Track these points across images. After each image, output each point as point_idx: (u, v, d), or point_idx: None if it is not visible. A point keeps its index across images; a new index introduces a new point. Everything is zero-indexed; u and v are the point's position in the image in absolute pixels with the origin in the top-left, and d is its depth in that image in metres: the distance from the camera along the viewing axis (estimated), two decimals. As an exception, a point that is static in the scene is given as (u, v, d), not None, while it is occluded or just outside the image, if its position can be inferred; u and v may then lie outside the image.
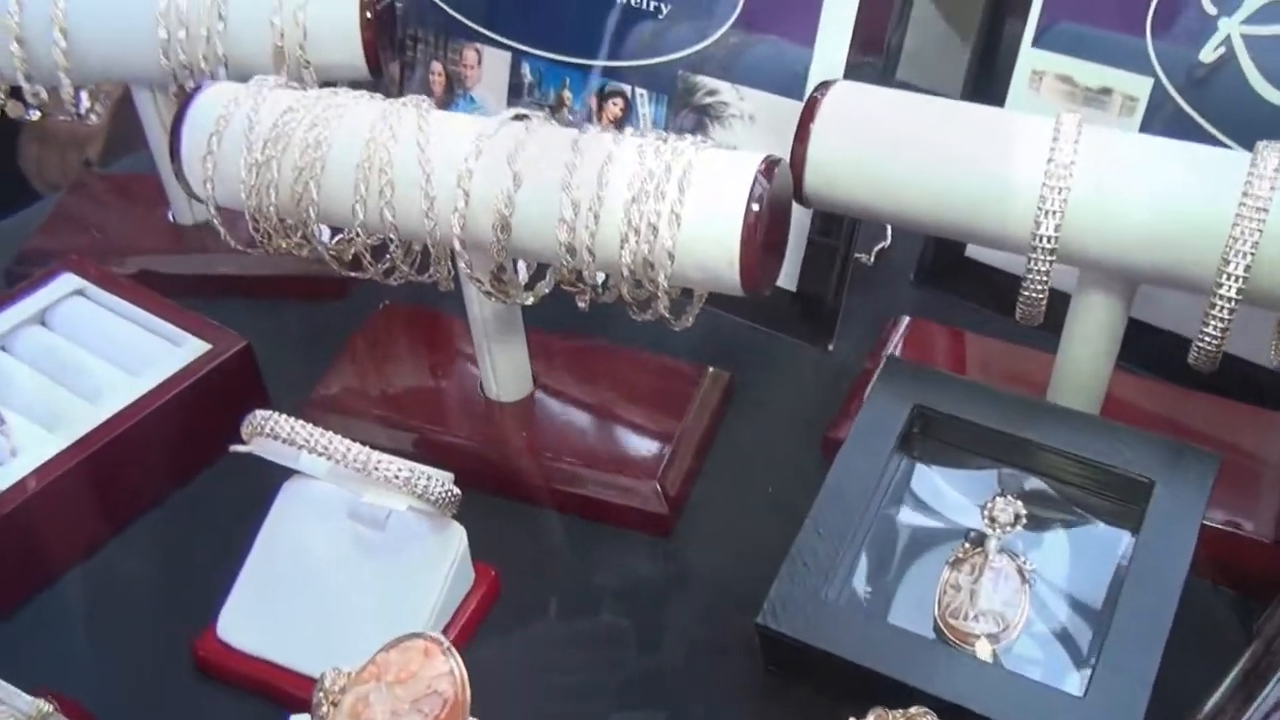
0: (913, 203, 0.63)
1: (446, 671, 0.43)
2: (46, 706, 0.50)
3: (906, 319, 0.79)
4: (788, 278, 0.79)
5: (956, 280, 0.82)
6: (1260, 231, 0.55)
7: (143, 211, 0.92)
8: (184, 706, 0.62)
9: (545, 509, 0.70)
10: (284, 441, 0.58)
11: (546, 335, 0.76)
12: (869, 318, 0.82)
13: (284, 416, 0.58)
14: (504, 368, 0.71)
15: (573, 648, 0.63)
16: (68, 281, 0.79)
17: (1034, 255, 0.60)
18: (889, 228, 0.89)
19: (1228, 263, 0.55)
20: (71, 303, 0.79)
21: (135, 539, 0.70)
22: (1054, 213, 0.58)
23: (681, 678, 0.61)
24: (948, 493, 0.64)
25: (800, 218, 0.76)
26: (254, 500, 0.65)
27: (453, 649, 0.43)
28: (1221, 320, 0.57)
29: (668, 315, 0.61)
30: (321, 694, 0.46)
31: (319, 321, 0.85)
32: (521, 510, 0.70)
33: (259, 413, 0.59)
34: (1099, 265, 0.60)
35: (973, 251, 0.81)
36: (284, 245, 0.68)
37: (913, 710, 0.43)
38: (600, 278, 0.63)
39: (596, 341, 0.77)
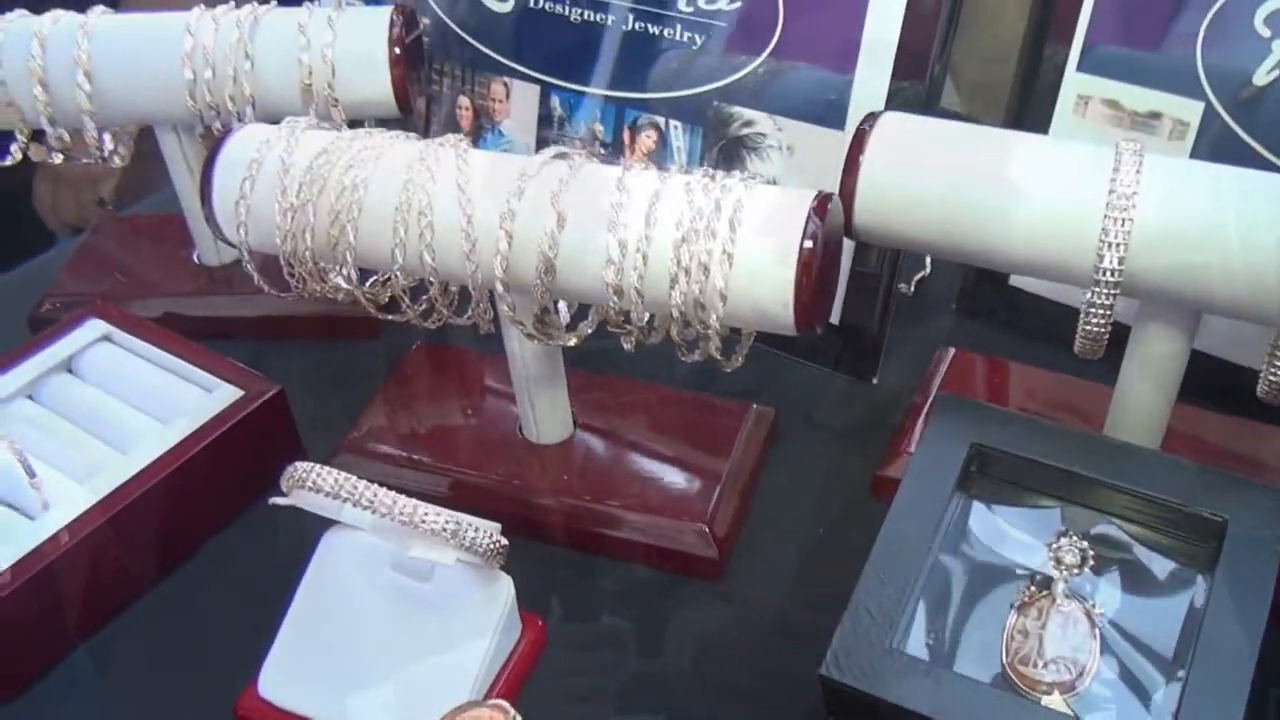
0: (967, 236, 0.61)
1: (512, 739, 0.41)
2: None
3: (952, 351, 0.77)
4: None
5: (1000, 309, 0.81)
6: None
7: (167, 253, 0.90)
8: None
9: (590, 554, 0.68)
10: (327, 495, 0.56)
11: (585, 375, 0.74)
12: (912, 349, 0.80)
13: (325, 469, 0.57)
14: (544, 409, 0.70)
15: (626, 698, 0.61)
16: (94, 327, 0.78)
17: (1096, 289, 0.58)
18: (928, 257, 0.87)
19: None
20: (99, 349, 0.77)
21: (171, 592, 0.68)
22: (1117, 245, 0.56)
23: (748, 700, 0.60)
24: (1009, 533, 0.62)
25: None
26: (293, 550, 0.63)
27: (519, 717, 0.41)
28: (1293, 355, 0.55)
29: (718, 356, 0.59)
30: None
31: (351, 362, 0.83)
32: (564, 555, 0.69)
33: (299, 465, 0.57)
34: (1164, 297, 0.58)
35: (1016, 280, 0.79)
36: (319, 289, 0.66)
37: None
38: (646, 317, 0.61)
39: (636, 381, 0.75)
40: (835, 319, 0.77)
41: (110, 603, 0.67)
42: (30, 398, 0.75)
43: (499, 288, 0.60)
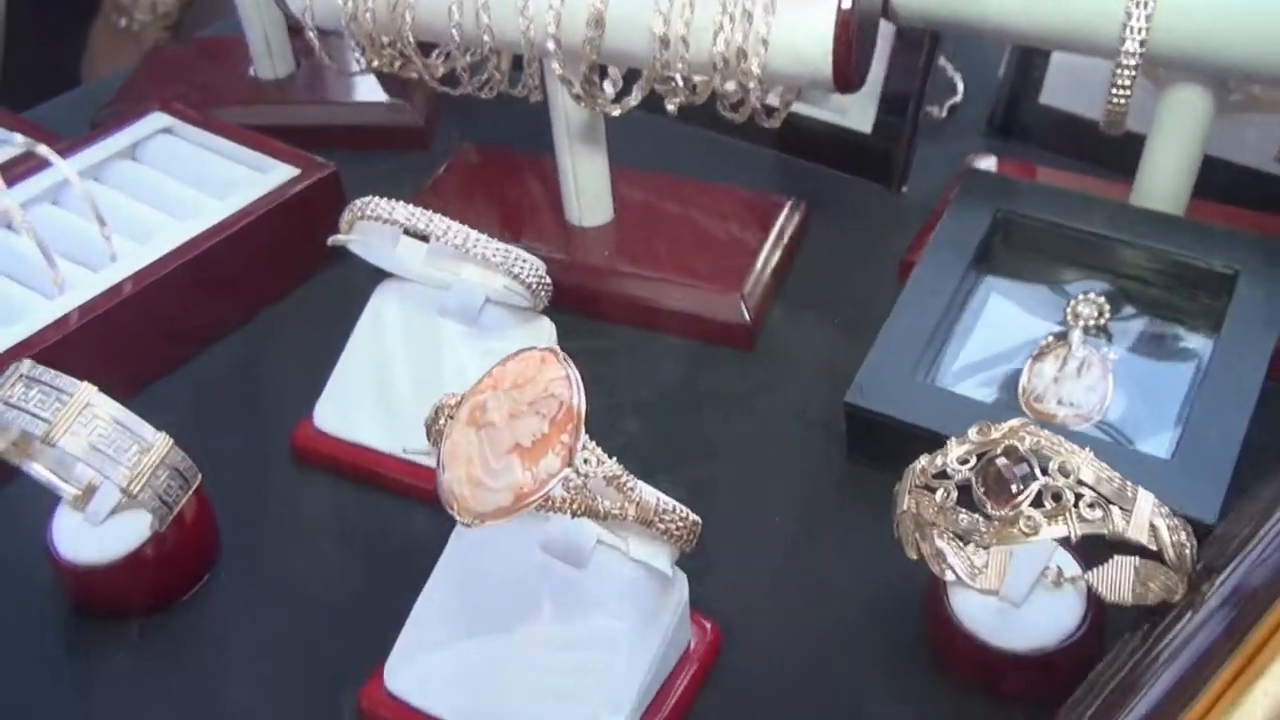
0: (998, 10, 0.64)
1: (562, 376, 0.44)
2: (167, 441, 0.52)
3: (982, 157, 0.79)
4: (863, 121, 0.80)
5: (1030, 130, 0.83)
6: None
7: (226, 69, 0.93)
8: (283, 489, 0.63)
9: (630, 327, 0.71)
10: (384, 221, 0.59)
11: (629, 169, 0.77)
12: (943, 167, 0.82)
13: (382, 199, 0.60)
14: (587, 187, 0.73)
15: (663, 452, 0.65)
16: (157, 120, 0.81)
17: (1123, 53, 0.60)
18: (960, 83, 0.89)
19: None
20: (161, 139, 0.81)
21: (229, 347, 0.72)
22: (1143, 13, 0.59)
23: (771, 470, 0.63)
24: (1032, 298, 0.65)
25: (877, 60, 0.78)
26: (343, 318, 0.66)
27: (569, 360, 0.45)
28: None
29: (759, 106, 0.62)
30: (437, 412, 0.47)
31: (401, 171, 0.86)
32: (607, 329, 0.72)
33: (360, 200, 0.61)
34: (1189, 60, 0.61)
35: (1047, 98, 0.82)
36: (378, 63, 0.70)
37: (1014, 421, 0.44)
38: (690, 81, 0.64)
39: (677, 176, 0.78)
40: (868, 129, 0.80)
41: (171, 354, 0.70)
42: (95, 179, 0.78)
43: (550, 45, 0.63)
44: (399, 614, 0.53)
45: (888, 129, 0.79)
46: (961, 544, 0.51)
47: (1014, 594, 0.50)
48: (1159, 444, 0.57)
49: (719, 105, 0.64)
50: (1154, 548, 0.43)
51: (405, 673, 0.52)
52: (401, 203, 0.60)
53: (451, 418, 0.46)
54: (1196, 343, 0.61)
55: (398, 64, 0.69)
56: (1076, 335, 0.61)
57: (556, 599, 0.51)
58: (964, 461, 0.45)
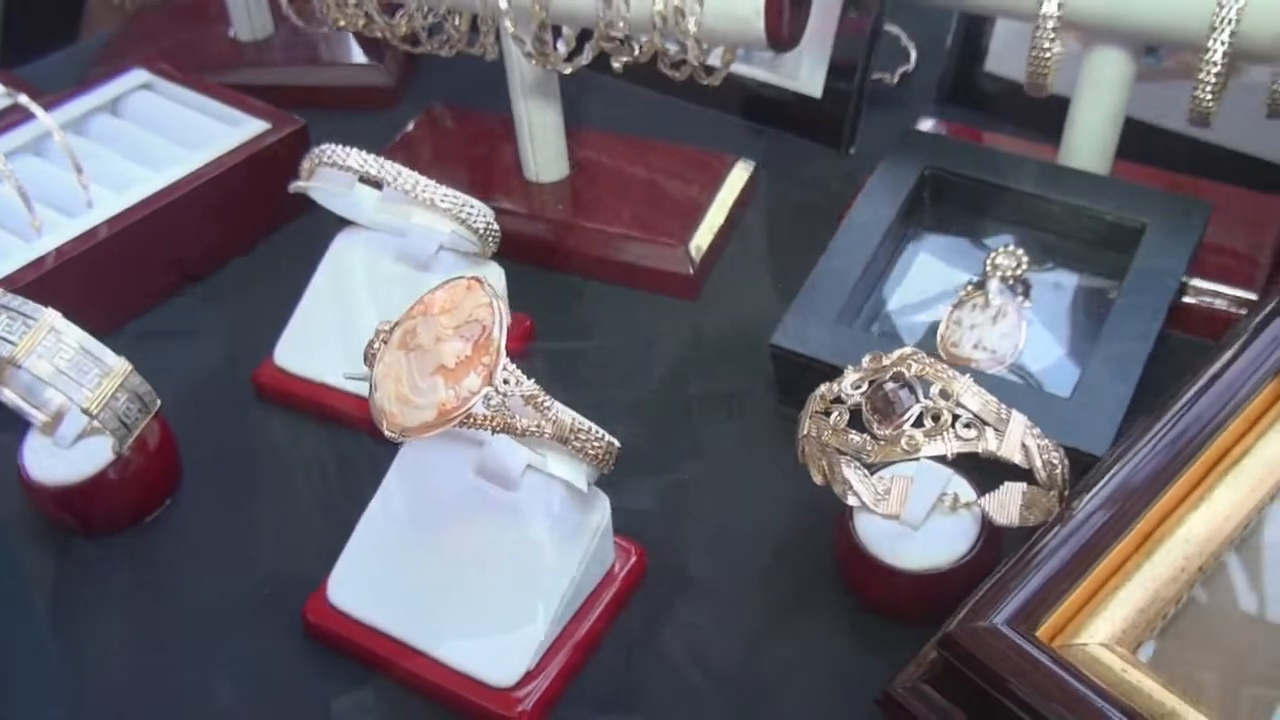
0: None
1: (486, 303, 0.48)
2: (126, 366, 0.56)
3: (927, 121, 0.82)
4: (812, 85, 0.83)
5: (977, 96, 0.86)
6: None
7: (205, 29, 0.97)
8: (245, 422, 0.67)
9: (580, 277, 0.75)
10: (339, 167, 0.63)
11: (585, 129, 0.80)
12: (891, 132, 0.85)
13: (342, 146, 0.63)
14: (542, 144, 0.76)
15: (602, 390, 0.68)
16: (136, 76, 0.85)
17: (1041, 16, 0.63)
18: (913, 51, 0.92)
19: (1216, 23, 0.59)
20: (140, 95, 0.84)
21: (202, 292, 0.76)
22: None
23: (707, 411, 0.66)
24: (958, 253, 0.68)
25: (825, 26, 0.81)
26: (310, 266, 0.69)
27: (494, 289, 0.48)
28: (1216, 69, 0.60)
29: (697, 64, 0.65)
30: (374, 338, 0.51)
31: (373, 127, 0.89)
32: (561, 279, 0.75)
33: (316, 147, 0.64)
34: (1105, 23, 0.64)
35: (992, 65, 0.85)
36: (340, 21, 0.73)
37: (903, 350, 0.48)
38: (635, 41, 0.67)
39: (632, 136, 0.82)
40: (818, 93, 0.83)
41: (143, 296, 0.74)
42: (76, 133, 0.81)
43: (503, 4, 0.66)
44: (348, 536, 0.56)
45: (837, 93, 0.82)
46: (868, 472, 0.54)
47: (913, 518, 0.53)
48: (1064, 384, 0.60)
49: (660, 63, 0.67)
50: (1026, 466, 0.46)
51: (346, 586, 0.56)
52: (356, 150, 0.63)
53: (385, 343, 0.50)
54: (1104, 290, 0.64)
55: (361, 22, 0.73)
56: (994, 285, 0.64)
57: (488, 519, 0.55)
58: (857, 387, 0.48)
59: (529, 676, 0.52)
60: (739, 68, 0.85)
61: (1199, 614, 0.46)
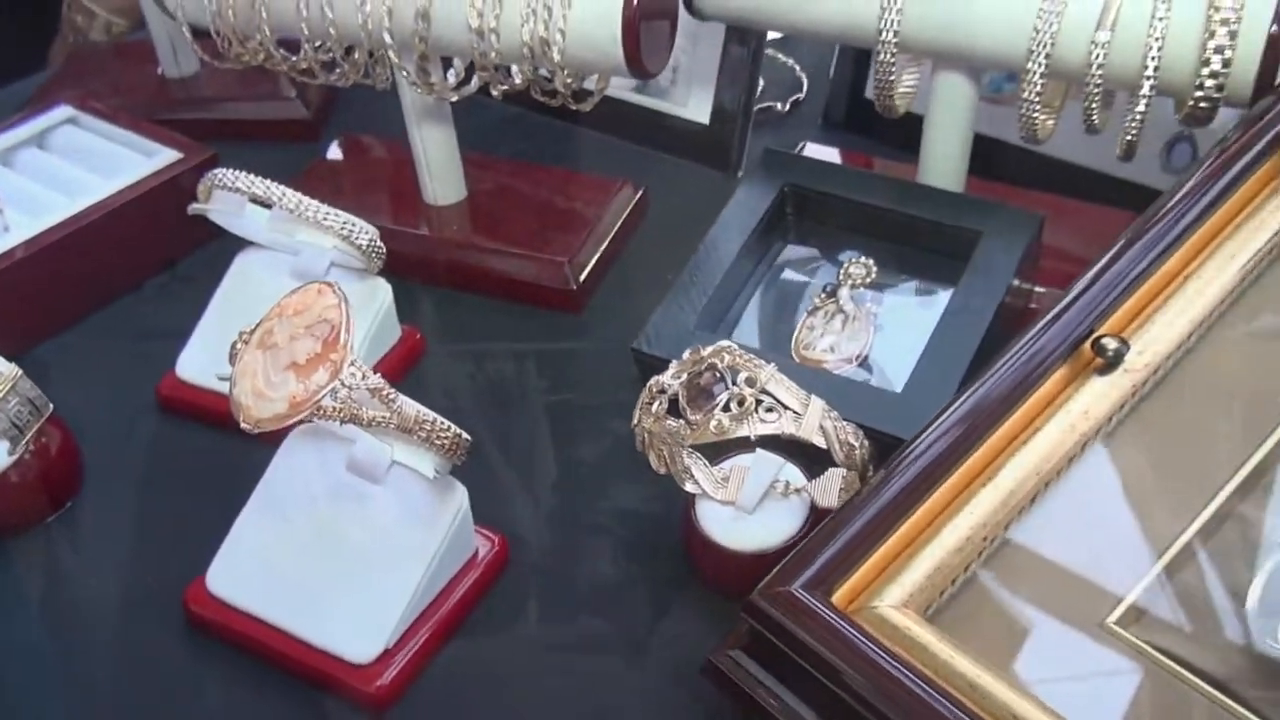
0: (783, 10, 0.72)
1: (335, 304, 0.52)
2: (16, 371, 0.60)
3: (811, 145, 0.87)
4: (700, 112, 0.89)
5: (858, 122, 0.91)
6: (1059, 17, 0.63)
7: (136, 68, 1.02)
8: (147, 432, 0.71)
9: (473, 293, 0.79)
10: (229, 190, 0.67)
11: (483, 156, 0.85)
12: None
13: (233, 170, 0.68)
14: (438, 167, 0.81)
15: (492, 396, 0.73)
16: (63, 112, 0.90)
17: (881, 43, 0.68)
18: (805, 81, 0.97)
19: (1034, 47, 0.64)
20: (65, 129, 0.89)
21: (116, 311, 0.80)
22: (895, 9, 0.67)
23: (582, 414, 0.71)
24: (815, 264, 0.73)
25: (710, 56, 0.86)
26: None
27: (342, 291, 0.53)
28: (1037, 89, 0.65)
29: (564, 90, 0.70)
30: (236, 339, 0.55)
31: (288, 158, 0.94)
32: (455, 295, 0.80)
33: (210, 171, 0.69)
34: (939, 50, 0.69)
35: (870, 93, 0.89)
36: (245, 56, 0.78)
37: (720, 344, 0.52)
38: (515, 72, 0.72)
39: (528, 162, 0.87)
40: (705, 119, 0.88)
41: (55, 316, 0.78)
42: (2, 164, 0.86)
43: (386, 38, 0.71)
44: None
45: (723, 119, 0.87)
46: (708, 462, 0.59)
47: (746, 503, 0.58)
48: (900, 380, 0.64)
49: (532, 91, 0.72)
50: (824, 447, 0.51)
51: (224, 576, 0.60)
52: (245, 173, 0.68)
53: (246, 343, 0.54)
54: (946, 296, 0.69)
55: (261, 57, 0.77)
56: (844, 292, 0.69)
57: (355, 510, 0.59)
58: (677, 378, 0.53)
59: (388, 654, 0.56)
60: (633, 96, 0.90)
61: (984, 580, 0.50)
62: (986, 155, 0.78)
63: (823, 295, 0.70)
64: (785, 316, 0.70)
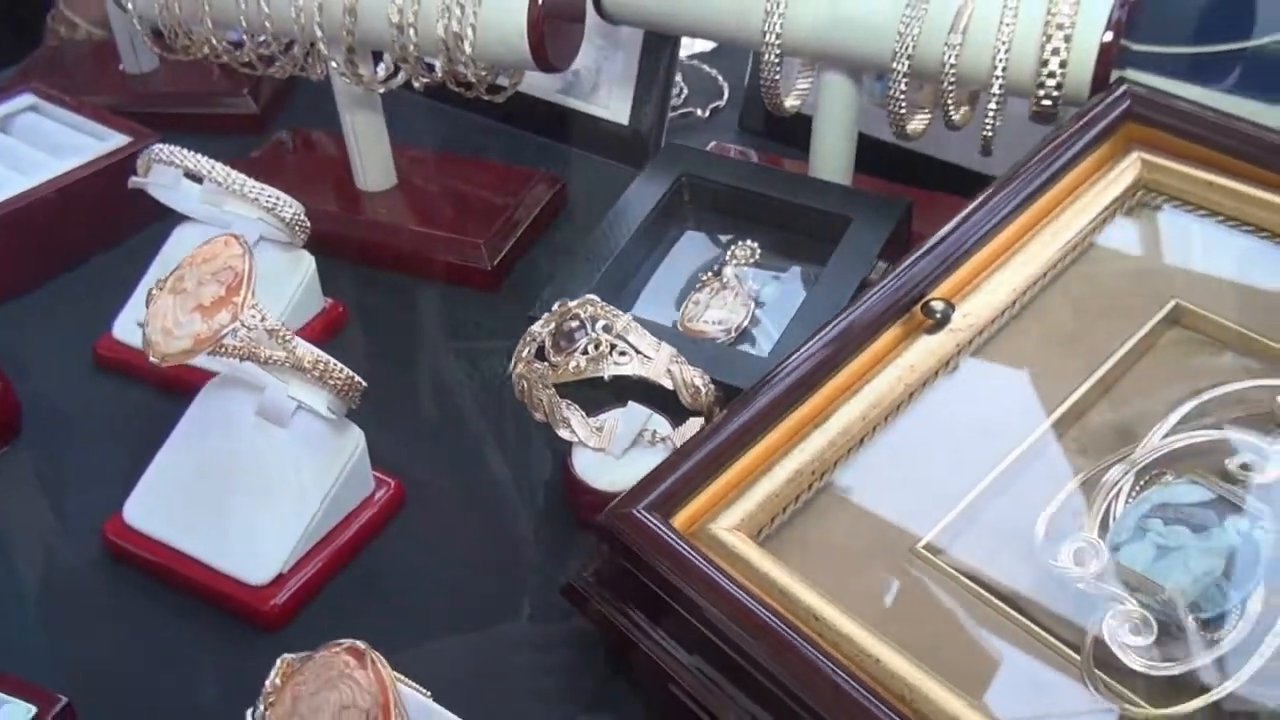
0: (683, 14, 0.79)
1: (239, 254, 0.58)
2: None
3: (714, 143, 0.94)
4: (619, 113, 0.95)
5: (772, 129, 0.98)
6: (920, 21, 0.70)
7: (100, 65, 1.08)
8: (83, 387, 0.77)
9: (399, 272, 0.86)
10: (165, 163, 0.73)
11: (417, 150, 0.92)
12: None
13: (170, 146, 0.74)
14: (368, 155, 0.87)
15: (406, 364, 0.78)
16: (25, 99, 0.96)
17: (765, 45, 0.75)
18: (726, 89, 1.04)
19: (898, 49, 0.70)
20: (27, 115, 0.95)
21: (67, 282, 0.86)
22: (778, 14, 0.74)
23: (488, 380, 0.77)
24: (706, 245, 0.79)
25: (629, 62, 0.93)
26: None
27: (247, 243, 0.59)
28: (902, 88, 0.72)
29: (477, 83, 0.76)
30: (153, 287, 0.61)
31: (235, 148, 1.00)
32: (381, 274, 0.86)
33: (149, 147, 0.75)
34: (819, 53, 0.75)
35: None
36: (191, 49, 0.84)
37: (586, 297, 0.58)
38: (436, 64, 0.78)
39: (456, 154, 0.93)
40: (625, 120, 0.94)
41: (8, 283, 0.84)
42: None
43: (317, 31, 0.78)
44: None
45: (640, 120, 0.94)
46: (585, 414, 0.64)
47: (616, 449, 0.63)
48: (768, 348, 0.71)
49: (449, 83, 0.78)
50: (671, 388, 0.56)
51: (139, 508, 0.65)
52: (180, 148, 0.74)
53: (160, 289, 0.60)
54: (817, 274, 0.75)
55: (205, 50, 0.84)
56: (729, 271, 0.75)
57: (261, 449, 0.64)
58: (545, 326, 0.59)
59: (282, 578, 0.62)
60: (560, 98, 0.97)
61: (811, 510, 0.56)
62: (898, 161, 0.84)
63: (710, 274, 0.76)
64: (678, 292, 0.76)
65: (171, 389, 0.75)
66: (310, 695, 0.41)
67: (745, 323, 0.73)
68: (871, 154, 0.84)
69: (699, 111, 1.02)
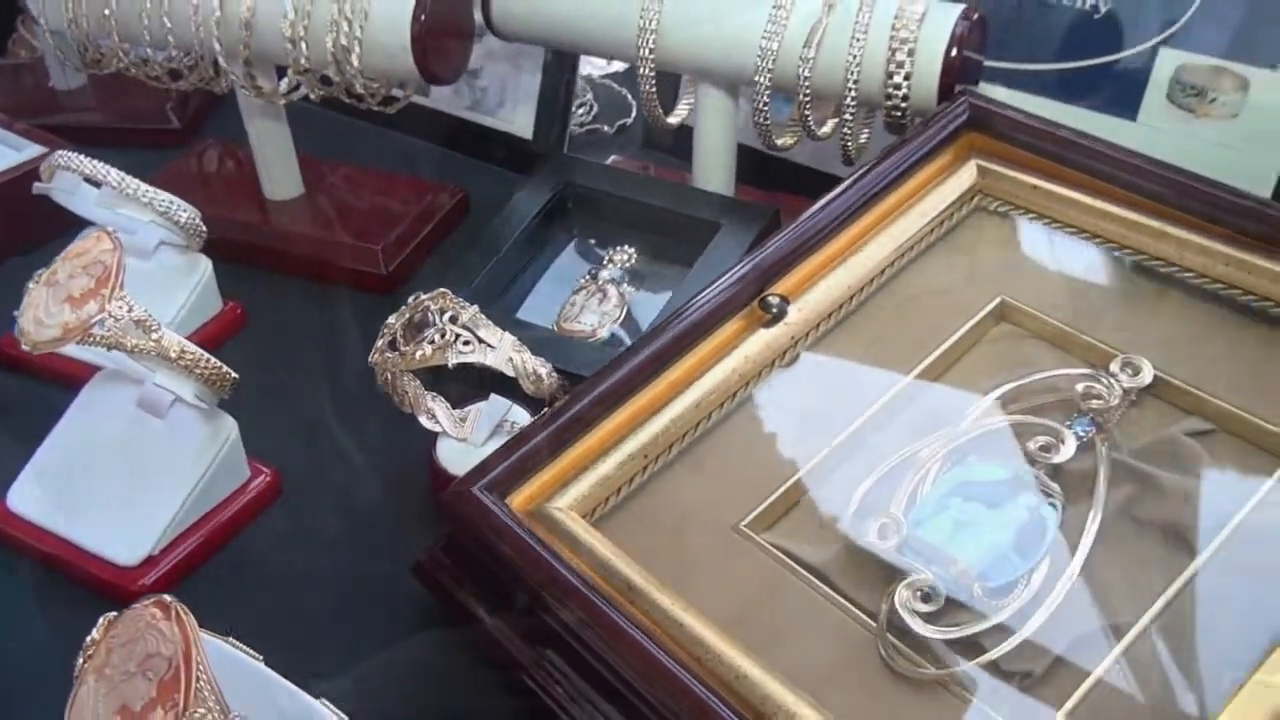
0: (565, 31, 0.82)
1: (110, 249, 0.61)
2: None
3: (613, 157, 0.98)
4: (523, 129, 0.99)
5: (675, 146, 1.01)
6: (780, 37, 0.74)
7: (31, 82, 1.12)
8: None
9: (302, 277, 0.89)
10: (65, 169, 0.77)
11: (322, 161, 0.95)
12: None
13: (70, 152, 0.77)
14: (274, 164, 0.91)
15: (300, 362, 0.82)
16: (-46, 118, 0.99)
17: (640, 59, 0.79)
18: (634, 107, 1.08)
19: (759, 64, 0.74)
20: (-47, 132, 0.99)
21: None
22: (650, 31, 0.78)
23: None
24: (587, 251, 0.83)
25: (531, 80, 0.97)
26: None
27: (118, 239, 0.62)
28: (765, 100, 0.75)
29: (367, 95, 0.80)
30: (32, 279, 0.64)
31: (158, 160, 1.03)
32: (283, 279, 0.89)
33: (57, 152, 0.78)
34: (689, 67, 0.79)
35: (673, 119, 1.00)
36: (102, 63, 0.88)
37: (438, 290, 0.61)
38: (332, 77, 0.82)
39: (363, 167, 0.97)
40: (529, 135, 0.98)
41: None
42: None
43: (216, 45, 0.81)
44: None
45: (543, 135, 0.97)
46: (450, 406, 0.68)
47: (476, 439, 0.66)
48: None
49: (342, 95, 0.82)
50: (514, 375, 0.60)
51: (22, 495, 0.68)
52: (80, 155, 0.77)
53: (38, 282, 0.63)
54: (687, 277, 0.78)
55: (119, 64, 0.87)
56: (604, 274, 0.78)
57: (140, 438, 0.67)
58: (399, 318, 0.62)
59: (153, 560, 0.65)
60: (465, 113, 1.00)
61: (644, 493, 0.59)
62: (805, 177, 0.89)
63: (587, 277, 0.79)
64: (559, 294, 0.80)
65: (69, 385, 0.78)
66: (120, 646, 0.44)
67: (617, 324, 0.76)
68: (778, 168, 0.88)
69: (605, 128, 1.06)
